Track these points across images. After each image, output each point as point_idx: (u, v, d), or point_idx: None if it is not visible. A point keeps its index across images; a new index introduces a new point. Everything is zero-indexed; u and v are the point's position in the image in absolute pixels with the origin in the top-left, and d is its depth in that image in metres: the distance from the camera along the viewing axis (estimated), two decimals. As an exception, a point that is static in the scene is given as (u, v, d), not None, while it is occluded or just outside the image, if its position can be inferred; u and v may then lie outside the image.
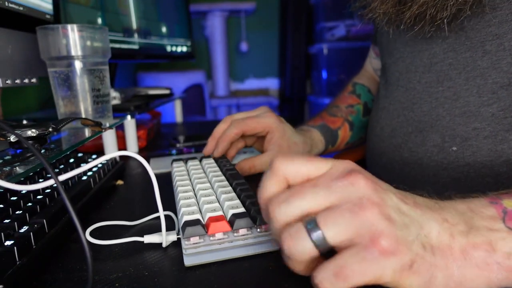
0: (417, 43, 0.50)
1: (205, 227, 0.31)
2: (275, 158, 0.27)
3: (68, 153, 0.46)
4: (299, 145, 0.56)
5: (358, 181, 0.24)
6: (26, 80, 0.54)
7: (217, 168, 0.46)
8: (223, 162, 0.48)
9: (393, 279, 0.23)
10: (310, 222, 0.23)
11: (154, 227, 0.38)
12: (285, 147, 0.54)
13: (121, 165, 0.56)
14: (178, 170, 0.47)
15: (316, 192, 0.24)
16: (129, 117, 0.66)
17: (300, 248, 0.23)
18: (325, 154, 0.66)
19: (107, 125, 0.53)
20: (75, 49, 0.50)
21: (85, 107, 0.52)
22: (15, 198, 0.36)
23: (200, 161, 0.51)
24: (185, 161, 0.51)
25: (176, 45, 1.04)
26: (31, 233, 0.29)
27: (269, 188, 0.27)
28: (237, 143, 0.58)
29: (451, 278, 0.23)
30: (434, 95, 0.48)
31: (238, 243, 0.31)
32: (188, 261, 0.30)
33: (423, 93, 0.49)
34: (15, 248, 0.27)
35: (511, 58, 0.41)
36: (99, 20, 0.69)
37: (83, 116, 0.52)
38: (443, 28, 0.44)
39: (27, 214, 0.33)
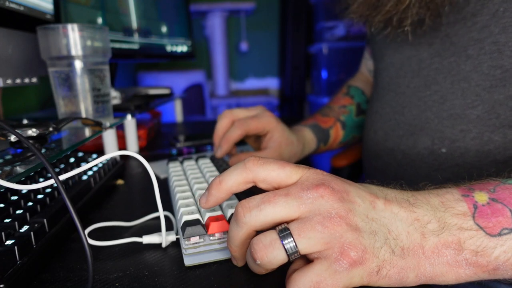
0: (406, 49, 0.52)
1: (205, 226, 0.32)
2: (250, 157, 0.28)
3: (69, 152, 0.46)
4: (295, 143, 0.57)
5: (327, 193, 0.25)
6: (26, 80, 0.54)
7: (214, 168, 0.46)
8: (219, 161, 0.48)
9: (362, 283, 0.24)
10: (282, 231, 0.24)
11: (152, 227, 0.38)
12: (284, 144, 0.54)
13: (122, 165, 0.56)
14: (175, 170, 0.47)
15: (288, 202, 0.25)
16: (129, 116, 0.66)
17: (272, 257, 0.24)
18: (318, 153, 0.66)
19: (108, 124, 0.53)
20: (76, 48, 0.50)
21: (85, 107, 0.52)
22: (15, 197, 0.36)
23: (196, 161, 0.51)
24: (181, 161, 0.51)
25: (176, 45, 1.04)
26: (32, 233, 0.30)
27: (233, 178, 0.27)
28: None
29: (423, 274, 0.25)
30: (422, 99, 0.49)
31: (238, 243, 0.31)
32: (188, 261, 0.30)
33: (412, 97, 0.51)
34: (15, 247, 0.27)
35: (492, 61, 0.42)
36: (100, 20, 0.69)
37: (84, 115, 0.52)
38: (407, 33, 0.47)
39: (27, 214, 0.33)
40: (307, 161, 0.66)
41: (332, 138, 0.66)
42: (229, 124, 0.53)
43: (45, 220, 0.32)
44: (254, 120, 0.52)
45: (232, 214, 0.32)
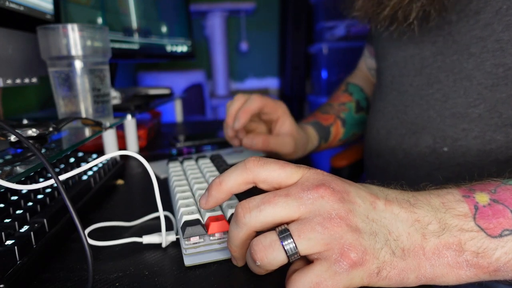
0: (409, 47, 0.52)
1: (205, 226, 0.32)
2: (250, 158, 0.28)
3: (69, 152, 0.46)
4: (302, 136, 0.57)
5: (327, 194, 0.25)
6: (26, 80, 0.54)
7: (214, 168, 0.46)
8: (219, 162, 0.48)
9: (362, 284, 0.24)
10: (282, 232, 0.24)
11: (152, 227, 0.38)
12: (295, 133, 0.55)
13: (122, 165, 0.56)
14: (175, 170, 0.47)
15: (288, 203, 0.25)
16: (129, 116, 0.66)
17: (272, 258, 0.24)
18: (318, 150, 0.67)
19: (108, 124, 0.53)
20: (76, 48, 0.50)
21: (85, 107, 0.52)
22: (15, 197, 0.36)
23: (196, 161, 0.51)
24: (181, 161, 0.51)
25: (176, 45, 1.04)
26: (32, 233, 0.30)
27: (233, 179, 0.27)
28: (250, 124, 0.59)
29: (424, 275, 0.25)
30: (425, 98, 0.49)
31: (238, 243, 0.31)
32: (188, 261, 0.30)
33: (415, 96, 0.51)
34: (15, 247, 0.27)
35: (494, 59, 0.42)
36: (100, 20, 0.69)
37: (84, 115, 0.52)
38: (414, 28, 0.47)
39: (27, 214, 0.33)
40: (307, 161, 0.66)
41: (332, 135, 0.67)
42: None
43: (45, 220, 0.32)
44: (270, 99, 0.53)
45: (232, 214, 0.32)
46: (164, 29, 0.97)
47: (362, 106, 0.72)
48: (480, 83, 0.44)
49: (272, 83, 2.42)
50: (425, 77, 0.49)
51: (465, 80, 0.45)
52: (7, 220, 0.31)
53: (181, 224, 0.32)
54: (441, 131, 0.47)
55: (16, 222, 0.31)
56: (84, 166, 0.30)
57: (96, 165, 0.49)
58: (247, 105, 0.51)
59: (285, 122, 0.54)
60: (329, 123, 0.67)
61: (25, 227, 0.31)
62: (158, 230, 0.34)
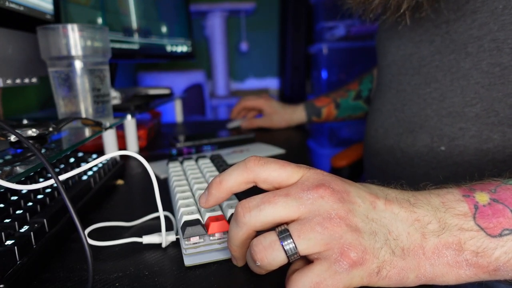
0: (408, 46, 0.52)
1: (205, 226, 0.32)
2: (251, 157, 0.28)
3: (69, 152, 0.46)
4: (281, 112, 0.87)
5: (327, 194, 0.25)
6: (26, 80, 0.54)
7: (214, 168, 0.46)
8: (219, 162, 0.48)
9: (362, 284, 0.24)
10: (282, 233, 0.24)
11: (152, 227, 0.38)
12: (272, 113, 0.87)
13: (122, 165, 0.56)
14: (175, 170, 0.47)
15: (287, 202, 0.25)
16: (129, 116, 0.66)
17: (271, 258, 0.24)
18: (315, 122, 0.88)
19: (107, 124, 0.53)
20: (76, 49, 0.50)
21: (85, 107, 0.52)
22: (15, 197, 0.36)
23: (196, 161, 0.51)
24: (181, 161, 0.51)
25: (176, 45, 1.04)
26: (32, 233, 0.30)
27: (233, 178, 0.27)
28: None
29: (423, 275, 0.25)
30: (422, 97, 0.49)
31: (238, 243, 0.31)
32: (188, 261, 0.30)
33: (412, 94, 0.51)
34: (15, 247, 0.27)
35: (491, 59, 0.42)
36: (100, 20, 0.69)
37: (84, 115, 0.52)
38: (405, 18, 0.47)
39: (27, 214, 0.33)
40: (307, 161, 0.66)
41: (324, 114, 0.86)
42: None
43: (45, 220, 0.32)
44: (264, 101, 0.89)
45: (232, 214, 0.32)
46: (164, 29, 0.97)
47: (361, 95, 0.82)
48: (477, 82, 0.44)
49: (272, 83, 2.42)
50: (423, 76, 0.49)
51: (462, 79, 0.45)
52: (7, 220, 0.31)
53: (181, 224, 0.32)
54: (438, 130, 0.47)
55: (16, 222, 0.31)
56: (84, 166, 0.30)
57: (96, 165, 0.49)
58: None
59: (264, 110, 0.87)
60: (321, 105, 0.85)
61: (25, 227, 0.31)
62: (158, 230, 0.34)
